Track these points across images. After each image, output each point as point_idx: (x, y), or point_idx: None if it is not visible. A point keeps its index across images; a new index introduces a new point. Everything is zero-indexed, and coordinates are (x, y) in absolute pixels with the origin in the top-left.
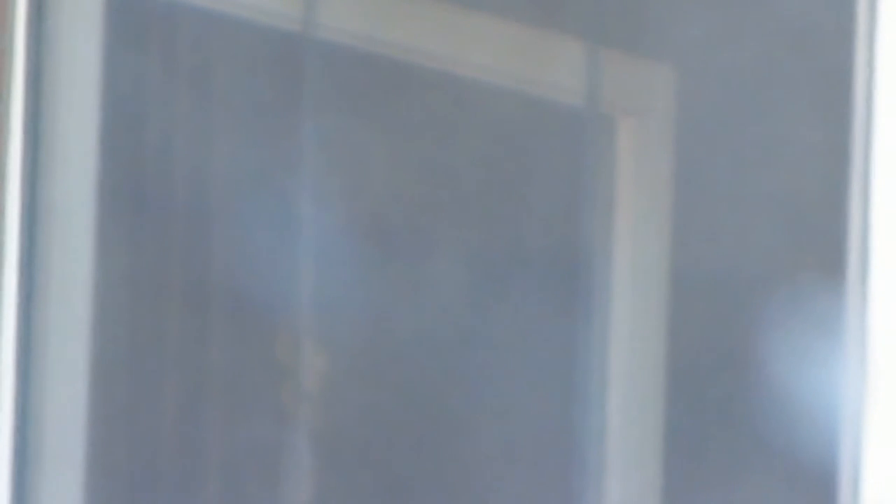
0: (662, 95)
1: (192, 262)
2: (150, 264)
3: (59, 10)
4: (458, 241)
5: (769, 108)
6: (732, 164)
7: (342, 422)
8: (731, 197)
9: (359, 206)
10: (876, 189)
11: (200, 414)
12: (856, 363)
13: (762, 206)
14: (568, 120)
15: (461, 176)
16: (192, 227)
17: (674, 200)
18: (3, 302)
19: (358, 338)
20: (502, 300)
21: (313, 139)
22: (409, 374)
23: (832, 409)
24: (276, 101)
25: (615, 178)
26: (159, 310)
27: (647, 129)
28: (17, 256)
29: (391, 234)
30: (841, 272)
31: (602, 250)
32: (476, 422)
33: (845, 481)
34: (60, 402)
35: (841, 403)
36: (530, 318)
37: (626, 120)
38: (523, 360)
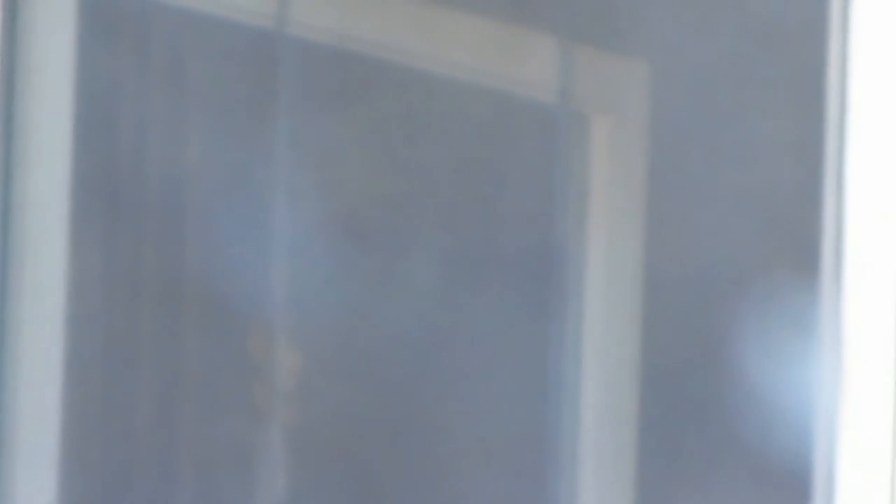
0: (637, 93)
1: (168, 260)
2: (126, 262)
3: (33, 7)
4: (431, 239)
5: (743, 106)
6: (707, 162)
7: (317, 420)
8: (705, 195)
9: (332, 204)
10: (850, 187)
11: (176, 411)
12: (830, 362)
13: (737, 204)
14: (542, 118)
15: (435, 174)
16: (167, 225)
17: (648, 198)
18: None
19: (332, 336)
20: (476, 299)
21: (288, 136)
22: (383, 374)
23: (807, 408)
24: (251, 98)
25: (589, 176)
26: (134, 307)
27: (621, 126)
28: None
29: (365, 232)
30: (815, 270)
31: (576, 248)
32: (450, 421)
33: (820, 481)
34: (34, 399)
35: (816, 403)
36: (504, 317)
37: (601, 118)
38: (498, 359)
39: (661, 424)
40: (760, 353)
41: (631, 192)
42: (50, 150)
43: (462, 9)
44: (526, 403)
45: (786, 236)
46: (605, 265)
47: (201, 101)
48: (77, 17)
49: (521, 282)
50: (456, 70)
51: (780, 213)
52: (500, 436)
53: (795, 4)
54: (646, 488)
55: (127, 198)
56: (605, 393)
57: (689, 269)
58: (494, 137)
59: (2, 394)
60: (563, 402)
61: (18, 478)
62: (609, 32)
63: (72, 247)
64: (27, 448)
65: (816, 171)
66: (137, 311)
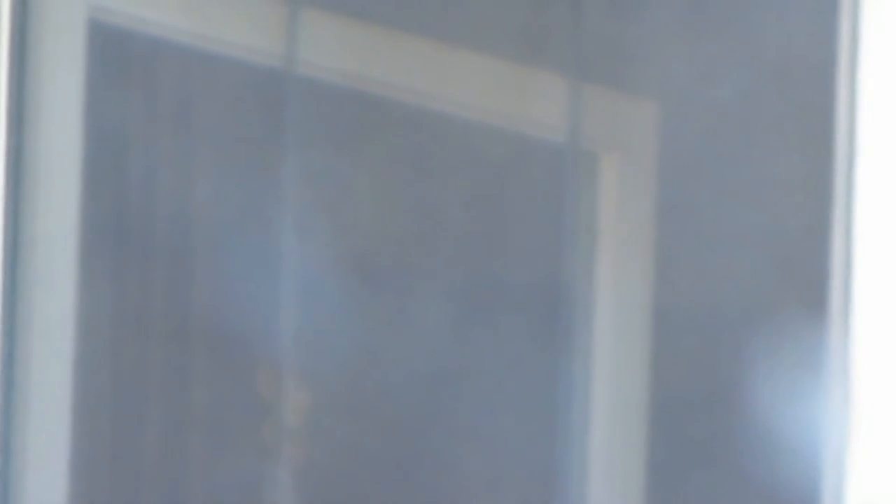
0: (645, 132)
1: (177, 299)
2: (134, 301)
3: (42, 46)
4: (440, 278)
5: (752, 144)
6: (715, 200)
7: (327, 459)
8: (714, 233)
9: (342, 243)
10: (858, 225)
11: (185, 450)
12: (839, 399)
13: (745, 242)
14: (551, 156)
15: (444, 212)
16: (176, 264)
17: (657, 236)
18: None
19: (342, 375)
20: (485, 337)
21: (297, 176)
22: (393, 412)
23: (815, 447)
24: (261, 138)
25: (598, 215)
26: (143, 346)
27: (630, 165)
28: (0, 291)
29: (373, 270)
30: (824, 308)
31: (585, 286)
32: (460, 459)
33: None
34: (43, 437)
35: (824, 442)
36: (513, 355)
37: (610, 156)
38: (507, 396)
39: (670, 461)
40: (769, 391)
41: (639, 231)
42: (59, 190)
43: (472, 48)
44: (535, 441)
45: (794, 274)
46: (613, 303)
47: (210, 141)
48: (86, 57)
49: (530, 319)
50: (466, 109)
51: (789, 250)
52: (509, 473)
53: (804, 43)
54: None
55: (136, 237)
56: (614, 430)
57: (698, 307)
58: (504, 176)
59: (11, 430)
60: (573, 440)
61: None
62: (618, 71)
63: (80, 285)
64: (36, 487)
65: (825, 208)
66: (146, 350)
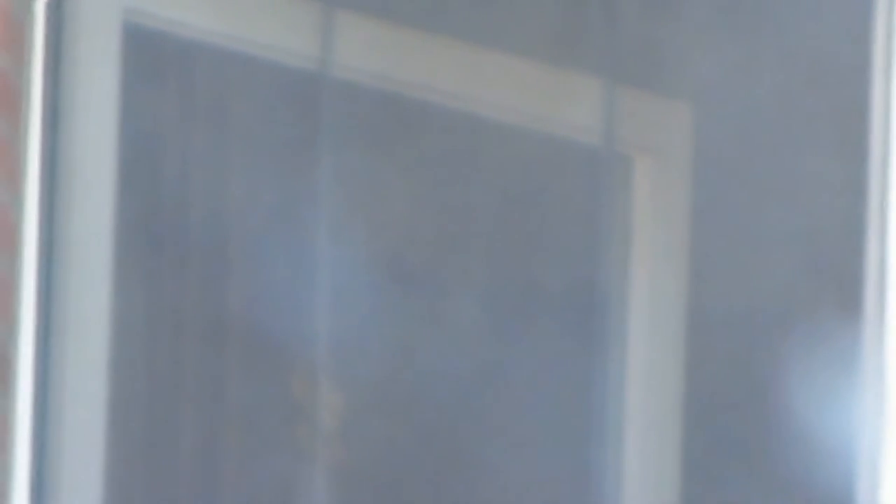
0: (679, 134)
1: (211, 300)
2: (169, 302)
3: (77, 48)
4: (475, 280)
5: (785, 145)
6: (749, 202)
7: (361, 460)
8: (747, 235)
9: (376, 245)
10: (893, 226)
11: (220, 451)
12: (873, 399)
13: (779, 244)
14: (585, 158)
15: (479, 214)
16: (211, 266)
17: (691, 238)
18: (21, 339)
19: (376, 376)
20: (520, 338)
21: (331, 177)
22: (427, 414)
23: (850, 446)
24: (294, 139)
25: (633, 216)
26: (178, 348)
27: (664, 167)
28: (35, 293)
29: (408, 272)
30: (859, 308)
31: (620, 287)
32: (495, 459)
33: None
34: (79, 440)
35: (858, 441)
36: (548, 357)
37: (644, 158)
38: (542, 397)
39: (705, 462)
40: (804, 392)
41: (674, 232)
42: (94, 191)
43: (506, 51)
44: (570, 441)
45: (829, 274)
46: (648, 303)
47: (245, 142)
48: (120, 59)
49: (565, 321)
50: (500, 112)
51: (824, 252)
52: (545, 475)
53: (839, 45)
54: None
55: (170, 238)
56: (648, 430)
57: (732, 307)
58: (539, 178)
59: (46, 430)
60: (608, 440)
61: None
62: (652, 74)
63: (115, 287)
64: (72, 489)
65: (860, 210)
66: (181, 352)
